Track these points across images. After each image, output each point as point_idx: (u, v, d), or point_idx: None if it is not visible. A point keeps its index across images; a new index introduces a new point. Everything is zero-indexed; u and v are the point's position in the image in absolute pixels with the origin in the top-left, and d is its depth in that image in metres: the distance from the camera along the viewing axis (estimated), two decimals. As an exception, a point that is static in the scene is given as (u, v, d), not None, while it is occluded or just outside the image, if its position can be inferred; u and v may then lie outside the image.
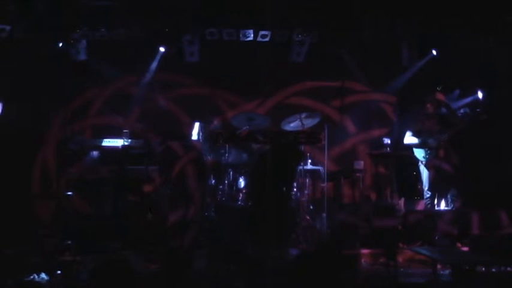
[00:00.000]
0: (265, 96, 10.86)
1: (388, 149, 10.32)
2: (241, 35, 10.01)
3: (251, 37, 10.05)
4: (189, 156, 7.39)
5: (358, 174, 10.42)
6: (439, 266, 6.97)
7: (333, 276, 3.78)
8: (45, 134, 10.20)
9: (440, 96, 9.69)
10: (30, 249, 7.96)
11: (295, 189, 9.30)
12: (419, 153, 9.58)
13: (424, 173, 9.60)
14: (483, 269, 6.79)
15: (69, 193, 8.86)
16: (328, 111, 10.89)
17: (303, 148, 8.32)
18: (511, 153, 9.86)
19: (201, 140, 9.55)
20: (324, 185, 9.62)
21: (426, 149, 9.51)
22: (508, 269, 6.63)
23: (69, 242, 8.11)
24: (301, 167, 9.33)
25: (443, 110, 9.72)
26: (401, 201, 10.09)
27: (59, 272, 6.72)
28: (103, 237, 8.23)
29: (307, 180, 9.59)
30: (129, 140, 8.82)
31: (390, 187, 10.47)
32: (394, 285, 6.90)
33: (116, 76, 10.31)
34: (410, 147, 9.75)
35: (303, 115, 9.45)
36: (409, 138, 9.58)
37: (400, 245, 8.42)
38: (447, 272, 7.13)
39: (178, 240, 7.28)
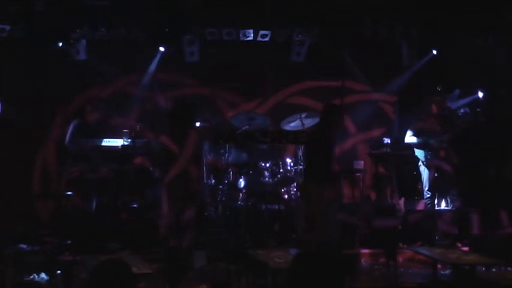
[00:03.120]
0: (265, 96, 10.86)
1: (388, 149, 10.31)
2: (241, 35, 10.00)
3: (251, 37, 10.04)
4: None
5: (358, 174, 10.41)
6: (439, 266, 6.97)
7: (332, 277, 3.77)
8: (45, 134, 10.19)
9: (443, 98, 9.67)
10: (30, 248, 7.99)
11: (295, 189, 9.31)
12: (420, 154, 9.57)
13: (425, 172, 9.59)
14: (483, 269, 6.80)
15: (69, 193, 8.86)
16: (328, 111, 10.87)
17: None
18: (511, 153, 9.86)
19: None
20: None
21: (427, 150, 9.50)
22: (508, 269, 6.64)
23: (69, 242, 8.11)
24: (301, 167, 9.33)
25: (446, 111, 9.73)
26: (402, 201, 10.08)
27: (59, 272, 6.72)
28: (103, 237, 8.23)
29: (307, 180, 9.58)
30: (129, 140, 8.81)
31: (390, 187, 10.46)
32: (394, 285, 6.90)
33: (116, 76, 10.30)
34: (410, 147, 9.75)
35: (303, 115, 9.45)
36: (410, 138, 9.57)
37: (400, 245, 8.42)
38: (447, 272, 7.14)
39: (176, 241, 7.26)
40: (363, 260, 8.03)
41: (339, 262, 3.90)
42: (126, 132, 8.94)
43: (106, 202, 8.77)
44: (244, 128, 9.22)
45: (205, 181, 9.36)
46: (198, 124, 9.60)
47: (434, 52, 10.33)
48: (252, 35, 10.01)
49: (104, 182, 8.77)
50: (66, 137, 8.97)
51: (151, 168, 9.17)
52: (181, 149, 7.29)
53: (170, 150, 7.31)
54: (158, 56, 10.16)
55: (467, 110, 10.25)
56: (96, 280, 3.68)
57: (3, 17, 9.27)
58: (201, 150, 8.69)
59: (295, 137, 9.21)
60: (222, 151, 9.40)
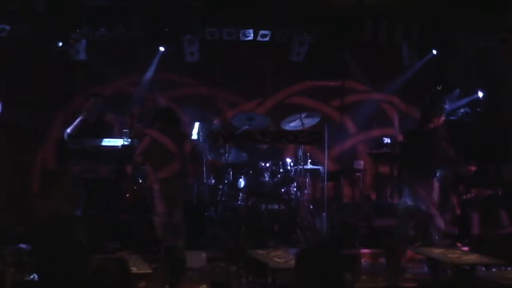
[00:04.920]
0: (265, 96, 10.86)
1: (388, 149, 10.31)
2: (241, 35, 10.00)
3: (251, 37, 10.04)
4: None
5: (358, 174, 10.42)
6: (439, 266, 6.97)
7: (332, 277, 3.78)
8: (45, 134, 10.19)
9: None
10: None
11: (295, 189, 9.31)
12: None
13: None
14: (483, 269, 6.78)
15: (69, 193, 8.86)
16: (328, 111, 10.89)
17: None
18: (511, 153, 9.87)
19: (201, 140, 9.56)
20: (324, 184, 9.62)
21: None
22: (508, 269, 6.63)
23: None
24: (301, 167, 9.33)
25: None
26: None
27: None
28: (103, 237, 8.23)
29: (307, 180, 9.59)
30: (129, 140, 8.81)
31: (390, 187, 10.46)
32: (394, 285, 6.90)
33: (116, 76, 10.30)
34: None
35: (303, 115, 9.45)
36: None
37: (400, 245, 8.42)
38: (447, 272, 7.13)
39: (172, 240, 7.26)
40: (363, 260, 8.03)
41: (338, 262, 3.90)
42: (126, 132, 8.94)
43: (106, 202, 8.76)
44: (244, 128, 9.22)
45: (205, 181, 9.37)
46: (197, 124, 9.65)
47: (434, 52, 10.32)
48: (252, 35, 10.01)
49: (104, 182, 8.77)
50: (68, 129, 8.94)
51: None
52: (178, 150, 7.29)
53: (165, 148, 7.30)
54: (158, 56, 10.16)
55: (468, 110, 10.24)
56: (96, 280, 3.68)
57: (4, 17, 9.27)
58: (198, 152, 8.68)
59: (295, 137, 9.21)
60: (222, 151, 9.40)
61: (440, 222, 7.95)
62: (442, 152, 7.91)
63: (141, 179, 8.86)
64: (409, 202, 7.92)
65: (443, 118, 8.11)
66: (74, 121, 8.91)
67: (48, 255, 3.85)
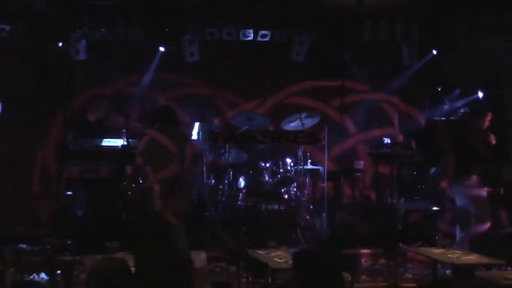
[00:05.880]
0: (265, 96, 10.86)
1: (388, 149, 10.31)
2: (241, 35, 10.00)
3: (251, 37, 10.04)
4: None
5: (358, 174, 10.42)
6: (439, 266, 6.97)
7: (332, 276, 3.78)
8: (45, 134, 10.19)
9: None
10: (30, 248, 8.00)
11: (295, 189, 9.32)
12: None
13: None
14: (483, 269, 6.79)
15: (69, 193, 8.85)
16: (328, 111, 10.89)
17: None
18: (511, 154, 9.86)
19: (201, 140, 9.56)
20: (324, 185, 9.63)
21: None
22: (508, 269, 6.63)
23: (69, 242, 8.11)
24: (301, 167, 9.34)
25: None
26: (402, 201, 10.07)
27: (59, 272, 6.72)
28: (103, 237, 8.23)
29: (307, 180, 9.59)
30: (127, 141, 8.81)
31: (390, 187, 10.46)
32: (394, 285, 6.91)
33: (116, 76, 10.30)
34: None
35: (303, 115, 9.46)
36: None
37: (400, 245, 8.43)
38: (447, 272, 7.14)
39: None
40: (363, 260, 8.04)
41: (338, 262, 3.91)
42: (126, 132, 8.94)
43: (106, 202, 8.76)
44: (244, 128, 9.23)
45: (205, 181, 9.37)
46: (197, 124, 9.65)
47: (434, 52, 10.32)
48: (252, 35, 10.00)
49: (104, 182, 8.76)
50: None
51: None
52: (178, 150, 7.28)
53: (165, 148, 7.29)
54: (158, 56, 10.15)
55: (468, 110, 10.24)
56: (96, 280, 3.68)
57: (3, 17, 9.26)
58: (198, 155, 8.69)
59: (295, 137, 9.22)
60: (222, 151, 9.41)
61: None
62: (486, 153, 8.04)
63: (141, 179, 8.85)
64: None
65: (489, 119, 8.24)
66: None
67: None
